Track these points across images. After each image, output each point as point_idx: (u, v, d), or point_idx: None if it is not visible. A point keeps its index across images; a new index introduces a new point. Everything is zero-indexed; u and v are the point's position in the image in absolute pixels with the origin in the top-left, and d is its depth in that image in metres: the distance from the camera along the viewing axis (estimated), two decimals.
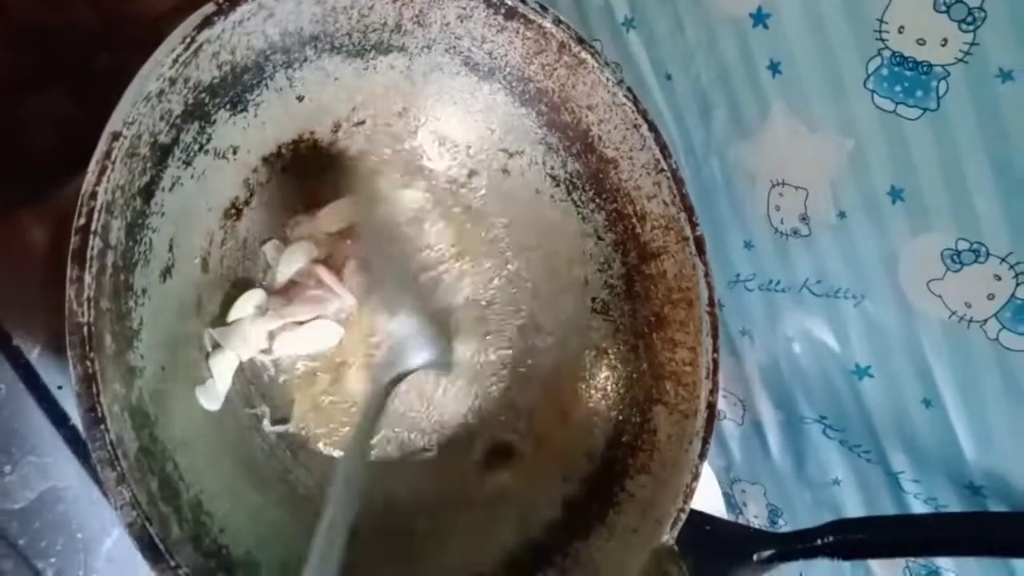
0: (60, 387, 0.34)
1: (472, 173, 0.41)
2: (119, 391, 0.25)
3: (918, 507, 0.43)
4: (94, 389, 0.23)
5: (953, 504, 0.42)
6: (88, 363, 0.23)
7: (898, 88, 0.36)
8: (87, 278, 0.23)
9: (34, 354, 0.33)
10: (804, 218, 0.42)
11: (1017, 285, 0.35)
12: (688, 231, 0.38)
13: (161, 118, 0.27)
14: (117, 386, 0.25)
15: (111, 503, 0.23)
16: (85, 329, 0.23)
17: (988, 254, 0.36)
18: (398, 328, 0.35)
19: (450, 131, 0.40)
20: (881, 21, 0.35)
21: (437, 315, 0.38)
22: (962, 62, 0.33)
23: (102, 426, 0.23)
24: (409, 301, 0.36)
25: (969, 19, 0.32)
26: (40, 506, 0.33)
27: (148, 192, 0.27)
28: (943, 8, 0.33)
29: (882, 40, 0.36)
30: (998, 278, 0.36)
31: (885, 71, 0.36)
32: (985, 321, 0.37)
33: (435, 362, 0.36)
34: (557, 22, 0.35)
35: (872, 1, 0.35)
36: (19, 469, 0.32)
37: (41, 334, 0.34)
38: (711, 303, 0.37)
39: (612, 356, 0.41)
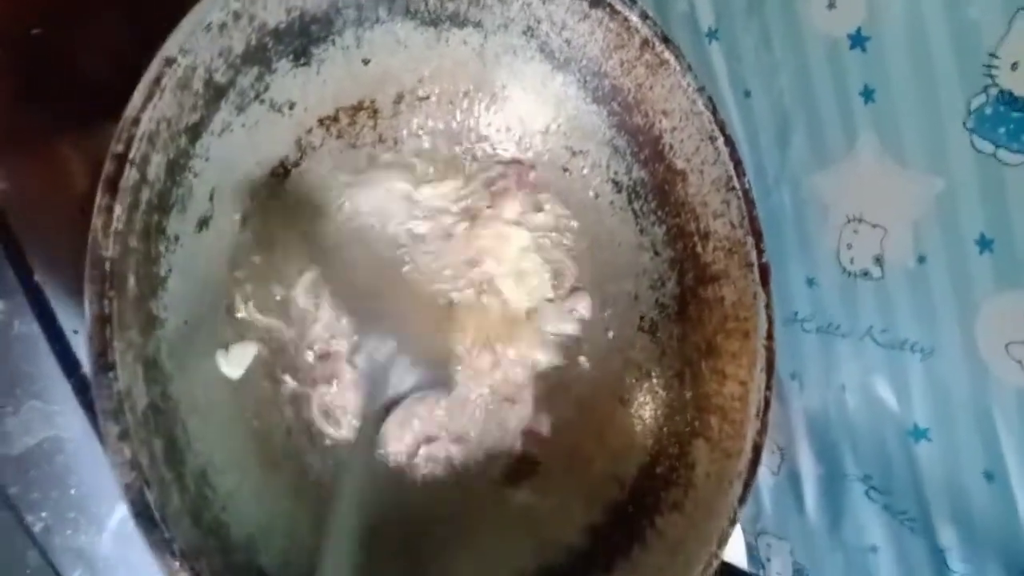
0: (76, 331, 0.32)
1: (530, 168, 0.39)
2: (135, 339, 0.23)
3: None
4: (108, 332, 0.21)
5: None
6: (106, 302, 0.21)
7: (1002, 130, 0.33)
8: (117, 209, 0.21)
9: (55, 294, 0.31)
10: (878, 259, 0.39)
11: None
12: (753, 257, 0.35)
13: (220, 54, 0.25)
14: (134, 333, 0.22)
15: (110, 460, 0.21)
16: (107, 264, 0.21)
17: None
18: (366, 361, 0.33)
19: (514, 120, 0.38)
20: (992, 55, 0.33)
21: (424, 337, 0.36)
22: None
23: (111, 373, 0.21)
24: (379, 328, 0.34)
25: None
26: (38, 455, 0.31)
27: (196, 132, 0.26)
28: None
29: (991, 76, 0.33)
30: None
31: (989, 110, 0.33)
32: None
33: (423, 386, 0.34)
34: (644, 16, 0.34)
35: (985, 33, 0.33)
36: (22, 412, 0.30)
37: (65, 274, 0.32)
38: (769, 336, 0.35)
39: (655, 380, 0.38)
